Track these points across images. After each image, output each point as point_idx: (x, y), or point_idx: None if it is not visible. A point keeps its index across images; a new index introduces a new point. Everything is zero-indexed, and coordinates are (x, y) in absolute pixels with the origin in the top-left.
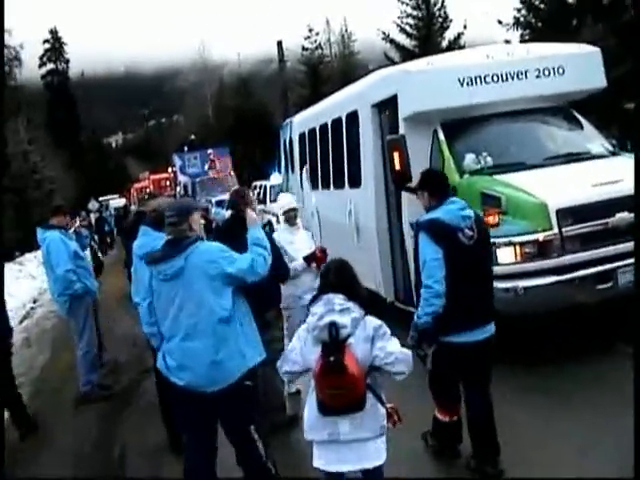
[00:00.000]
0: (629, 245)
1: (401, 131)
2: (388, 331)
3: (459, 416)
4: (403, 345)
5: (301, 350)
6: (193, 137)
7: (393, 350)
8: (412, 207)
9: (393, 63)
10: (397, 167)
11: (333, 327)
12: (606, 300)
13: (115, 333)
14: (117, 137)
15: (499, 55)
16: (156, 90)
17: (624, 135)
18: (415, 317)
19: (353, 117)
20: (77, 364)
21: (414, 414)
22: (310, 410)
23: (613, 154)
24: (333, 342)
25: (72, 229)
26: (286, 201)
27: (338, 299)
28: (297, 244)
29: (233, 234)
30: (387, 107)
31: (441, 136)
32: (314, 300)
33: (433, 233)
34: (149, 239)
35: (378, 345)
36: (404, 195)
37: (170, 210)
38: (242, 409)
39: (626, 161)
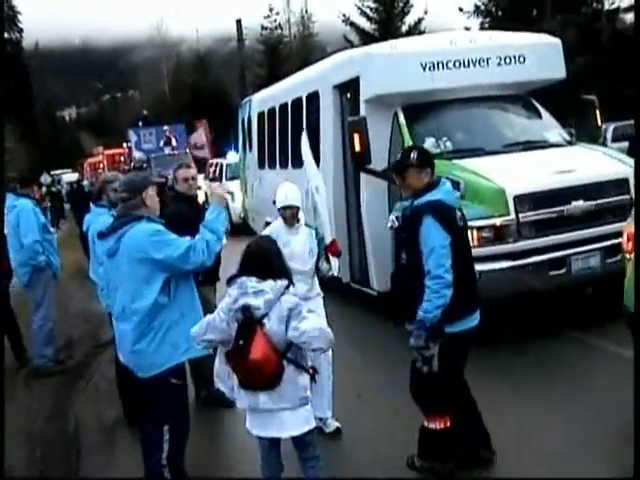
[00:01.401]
0: (583, 232)
1: (362, 113)
2: (304, 310)
3: (451, 420)
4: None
5: (225, 324)
6: (146, 112)
7: (306, 328)
8: (370, 189)
9: (352, 46)
10: (357, 148)
11: (247, 310)
12: (559, 286)
13: (69, 308)
14: (71, 111)
15: (462, 41)
16: (111, 64)
17: (580, 125)
18: (421, 313)
19: (314, 97)
20: (31, 337)
21: None
22: (233, 379)
23: (570, 143)
24: (245, 325)
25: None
26: (283, 195)
27: (251, 282)
28: (293, 246)
29: (180, 215)
30: (349, 89)
31: (402, 119)
32: (230, 281)
33: (440, 217)
34: (92, 214)
35: (292, 324)
36: (362, 176)
37: (121, 185)
38: (160, 405)
39: (582, 150)
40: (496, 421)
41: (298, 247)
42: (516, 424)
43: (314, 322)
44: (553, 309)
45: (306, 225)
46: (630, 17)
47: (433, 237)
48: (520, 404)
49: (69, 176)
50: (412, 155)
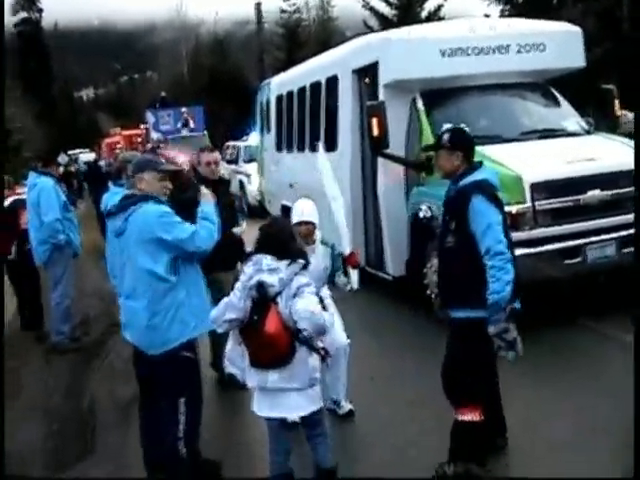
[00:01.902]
0: (599, 222)
1: (380, 98)
2: (307, 289)
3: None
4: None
5: (242, 301)
6: (164, 94)
7: (298, 307)
8: (387, 173)
9: (372, 31)
10: (375, 133)
11: (261, 286)
12: (574, 275)
13: (85, 287)
14: (88, 91)
15: (481, 28)
16: (130, 45)
17: (599, 114)
18: (493, 295)
19: (333, 81)
20: (49, 314)
21: None
22: (245, 360)
23: (588, 132)
24: (260, 301)
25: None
26: (299, 211)
27: (266, 260)
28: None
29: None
30: (367, 73)
31: (420, 105)
32: (246, 259)
33: (490, 195)
34: (109, 194)
35: (293, 301)
36: (380, 161)
37: (131, 164)
38: (174, 379)
39: (600, 140)
40: (505, 406)
41: (313, 266)
42: (524, 410)
43: (308, 304)
44: (568, 297)
45: (322, 243)
46: None
47: (487, 214)
48: (529, 390)
49: (86, 156)
50: (445, 136)
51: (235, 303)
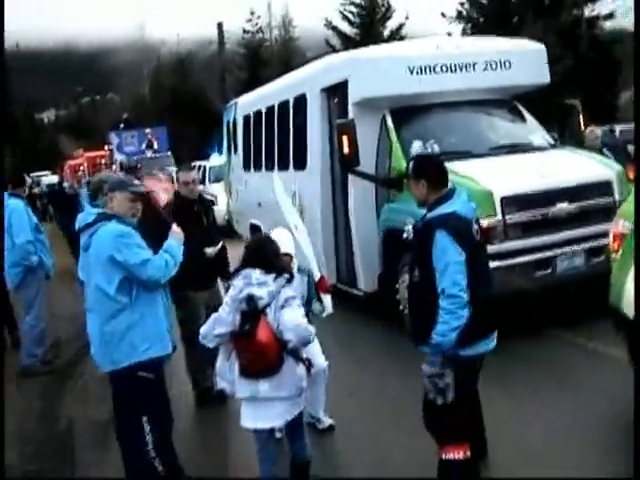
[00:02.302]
0: (568, 234)
1: (350, 116)
2: (293, 302)
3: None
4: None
5: (230, 315)
6: (126, 115)
7: (285, 319)
8: (358, 191)
9: (334, 50)
10: (346, 151)
11: (251, 299)
12: (545, 286)
13: (55, 309)
14: (49, 113)
15: (448, 46)
16: (91, 67)
17: (563, 129)
18: (436, 337)
19: (301, 100)
20: (22, 337)
21: None
22: (234, 372)
23: (554, 147)
24: (250, 312)
25: None
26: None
27: (255, 274)
28: None
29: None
30: (336, 92)
31: (389, 122)
32: (235, 274)
33: (455, 231)
34: (84, 214)
35: (280, 313)
36: (350, 178)
37: (107, 182)
38: (131, 398)
39: (566, 154)
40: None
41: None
42: (497, 419)
43: (295, 315)
44: (535, 308)
45: (299, 271)
46: (609, 24)
47: (447, 253)
48: (501, 399)
49: (48, 178)
50: (410, 164)
51: (224, 317)
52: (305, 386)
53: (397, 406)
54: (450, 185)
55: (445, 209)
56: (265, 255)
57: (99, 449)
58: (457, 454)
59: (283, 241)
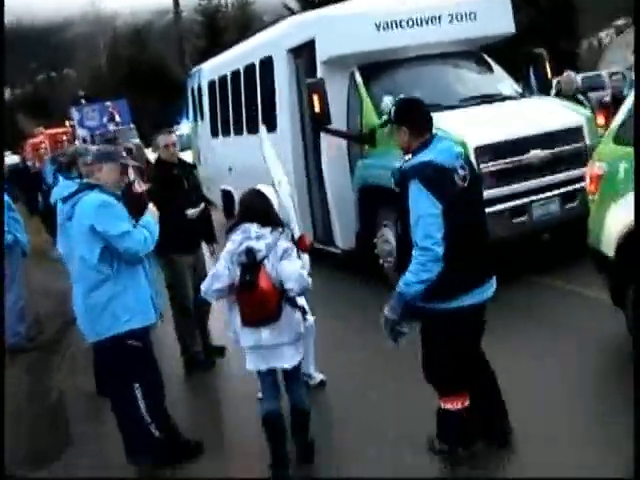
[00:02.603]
0: (542, 180)
1: (319, 75)
2: (293, 253)
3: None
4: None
5: (226, 270)
6: (82, 93)
7: (287, 269)
8: (330, 148)
9: (292, 13)
10: (317, 110)
11: (250, 252)
12: (521, 233)
13: (32, 287)
14: (5, 92)
15: (413, 1)
16: (44, 43)
17: (527, 78)
18: (401, 285)
19: (267, 62)
20: (5, 315)
21: None
22: (237, 323)
23: (522, 96)
24: (250, 264)
25: None
26: None
27: (254, 228)
28: None
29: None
30: (303, 52)
31: (358, 79)
32: (232, 228)
33: (429, 181)
34: (59, 187)
35: (279, 265)
36: (322, 137)
37: (92, 152)
38: (120, 367)
39: (535, 102)
40: None
41: None
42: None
43: (295, 266)
44: (513, 255)
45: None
46: None
47: (419, 204)
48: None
49: (10, 158)
50: (392, 110)
51: (221, 272)
52: (303, 332)
53: (385, 358)
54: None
55: (421, 157)
56: (260, 209)
57: (93, 421)
58: (454, 404)
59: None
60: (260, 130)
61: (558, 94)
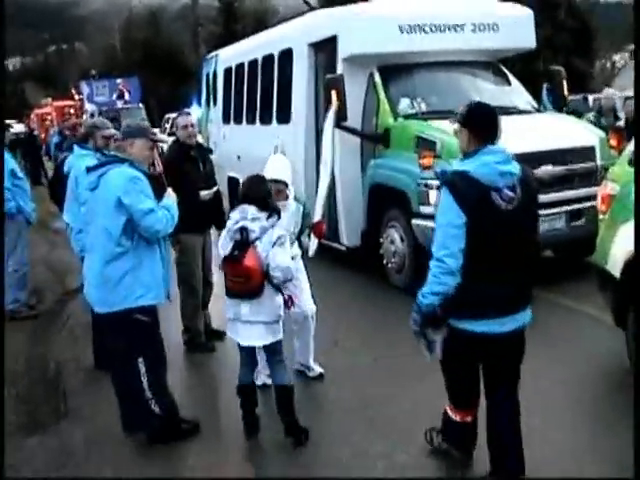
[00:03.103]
0: (551, 196)
1: (339, 71)
2: (286, 242)
3: (475, 417)
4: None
5: (227, 243)
6: (94, 72)
7: (277, 259)
8: (343, 146)
9: (310, 7)
10: (334, 105)
11: (244, 231)
12: None
13: (33, 257)
14: (14, 60)
15: (439, 7)
16: (58, 16)
17: (539, 94)
18: (419, 296)
19: (287, 55)
20: (5, 281)
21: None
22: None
23: (537, 111)
24: (241, 242)
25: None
26: (270, 169)
27: (251, 209)
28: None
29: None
30: (324, 47)
31: (377, 79)
32: (233, 208)
33: (458, 191)
34: (75, 157)
35: (272, 250)
36: (336, 133)
37: (123, 128)
38: (129, 339)
39: (550, 118)
40: None
41: (283, 222)
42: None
43: (285, 258)
44: None
45: (295, 199)
46: None
47: (443, 212)
48: None
49: (16, 127)
50: (461, 111)
51: (224, 244)
52: (282, 315)
53: (381, 354)
54: (436, 140)
55: (459, 166)
56: (258, 194)
57: (91, 392)
58: (454, 415)
59: (278, 168)
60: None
61: (572, 112)
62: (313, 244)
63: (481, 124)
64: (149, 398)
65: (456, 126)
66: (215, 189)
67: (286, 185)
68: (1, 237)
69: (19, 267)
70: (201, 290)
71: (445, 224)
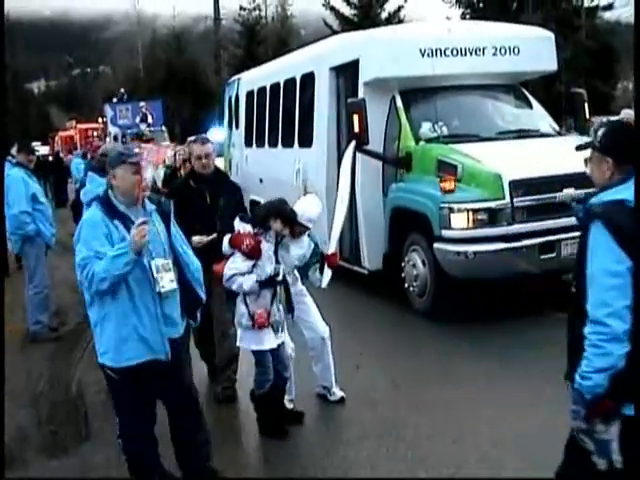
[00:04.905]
0: (573, 219)
1: (360, 95)
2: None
3: None
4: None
5: None
6: (122, 90)
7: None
8: (365, 169)
9: (332, 30)
10: (356, 129)
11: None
12: (548, 269)
13: (56, 278)
14: (39, 83)
15: (459, 30)
16: (82, 39)
17: (560, 116)
18: (577, 378)
19: (309, 78)
20: (27, 304)
21: None
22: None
23: (559, 134)
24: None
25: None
26: (300, 210)
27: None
28: (290, 250)
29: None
30: (346, 71)
31: (399, 103)
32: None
33: (617, 227)
34: (93, 185)
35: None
36: (358, 157)
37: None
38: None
39: (572, 141)
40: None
41: (294, 252)
42: (507, 394)
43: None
44: (538, 291)
45: (308, 236)
46: (608, 15)
47: (599, 257)
48: (502, 377)
49: (40, 149)
50: (599, 133)
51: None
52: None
53: (402, 378)
54: (458, 164)
55: (613, 195)
56: (255, 214)
57: (112, 417)
58: None
59: (308, 209)
60: (350, 147)
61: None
62: (327, 275)
63: (627, 147)
64: (120, 445)
65: (590, 154)
66: (212, 236)
67: (306, 229)
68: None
69: (40, 289)
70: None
71: (601, 273)
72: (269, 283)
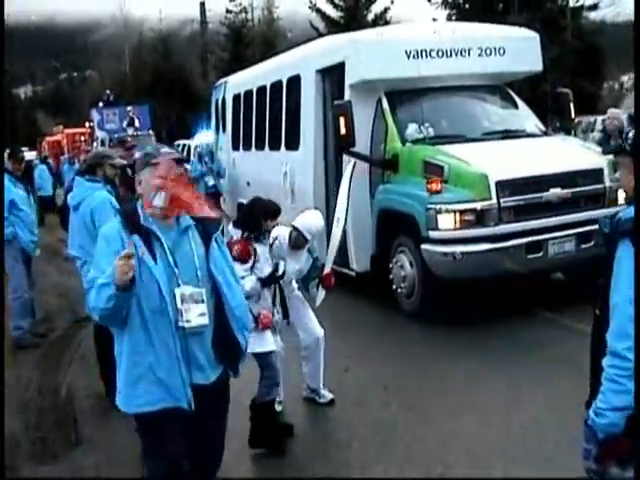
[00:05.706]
0: (560, 219)
1: (346, 97)
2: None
3: None
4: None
5: None
6: (108, 92)
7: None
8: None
9: (318, 32)
10: (342, 132)
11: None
12: (535, 269)
13: (44, 283)
14: (26, 88)
15: (445, 32)
16: (69, 43)
17: (546, 116)
18: (591, 414)
19: (295, 81)
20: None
21: None
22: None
23: (545, 134)
24: None
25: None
26: (303, 223)
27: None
28: (288, 263)
29: None
30: (332, 73)
31: (385, 105)
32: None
33: None
34: (81, 190)
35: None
36: (345, 159)
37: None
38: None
39: (558, 141)
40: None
41: (291, 266)
42: (495, 396)
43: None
44: (525, 290)
45: (308, 251)
46: (593, 15)
47: (621, 281)
48: (493, 377)
49: (27, 154)
50: (629, 135)
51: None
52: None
53: (391, 380)
54: (444, 165)
55: None
56: (242, 215)
57: (102, 422)
58: None
59: (312, 228)
60: (348, 165)
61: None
62: (321, 294)
63: None
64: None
65: (619, 159)
66: None
67: (306, 241)
68: (1, 261)
69: (19, 294)
70: None
71: (624, 300)
72: (270, 280)
